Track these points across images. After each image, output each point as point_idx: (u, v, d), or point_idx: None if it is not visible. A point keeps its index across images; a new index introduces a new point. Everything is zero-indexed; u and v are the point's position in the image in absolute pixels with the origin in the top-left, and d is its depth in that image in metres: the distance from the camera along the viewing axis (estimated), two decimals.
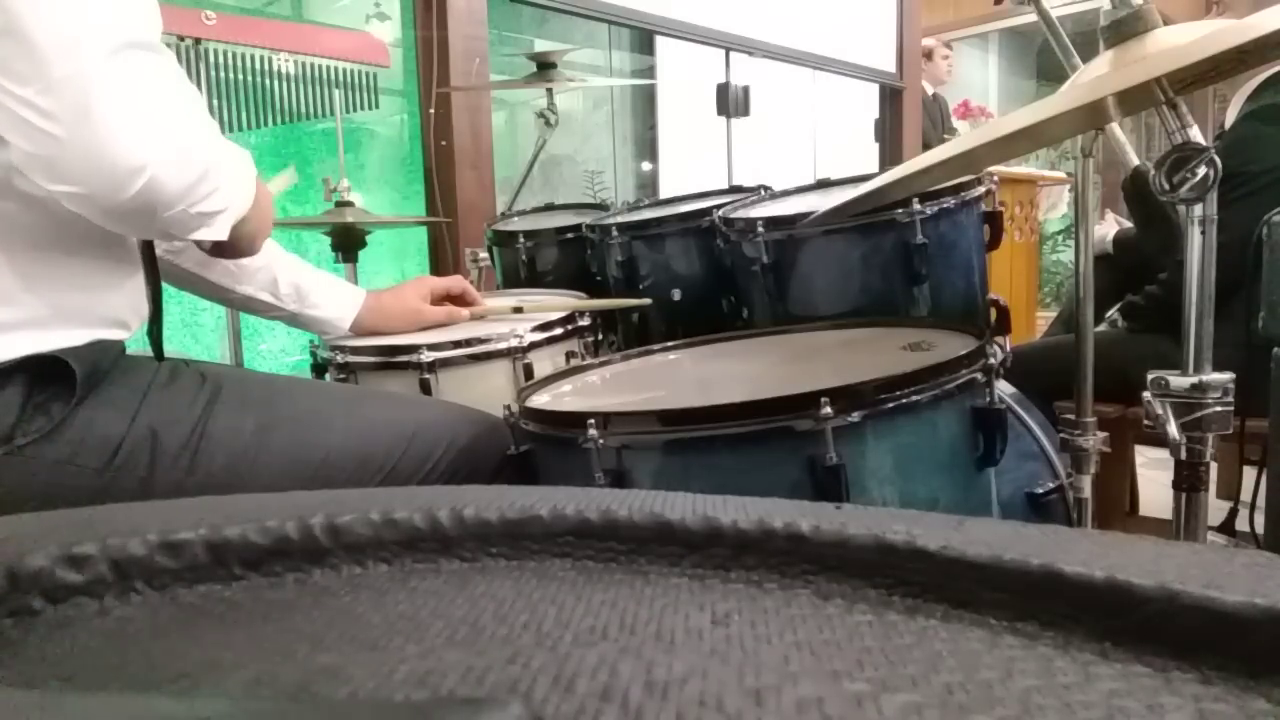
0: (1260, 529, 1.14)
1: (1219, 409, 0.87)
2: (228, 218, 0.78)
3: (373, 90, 1.94)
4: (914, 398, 0.80)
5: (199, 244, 0.82)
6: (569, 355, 1.22)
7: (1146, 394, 0.89)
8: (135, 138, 0.67)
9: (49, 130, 0.66)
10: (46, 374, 0.76)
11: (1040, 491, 1.22)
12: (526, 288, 1.60)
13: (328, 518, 0.29)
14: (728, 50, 3.03)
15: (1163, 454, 0.96)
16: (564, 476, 0.87)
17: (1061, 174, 3.73)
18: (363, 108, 1.94)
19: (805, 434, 0.77)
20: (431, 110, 2.35)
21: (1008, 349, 1.11)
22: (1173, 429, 0.88)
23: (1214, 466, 0.92)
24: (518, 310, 1.30)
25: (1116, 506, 1.88)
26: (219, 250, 0.86)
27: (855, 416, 0.78)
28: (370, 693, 0.19)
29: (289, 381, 0.99)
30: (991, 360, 0.87)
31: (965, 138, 0.90)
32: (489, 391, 1.11)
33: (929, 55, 4.54)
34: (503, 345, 1.14)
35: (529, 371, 1.14)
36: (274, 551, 0.29)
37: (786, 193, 1.51)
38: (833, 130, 3.80)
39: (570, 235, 1.64)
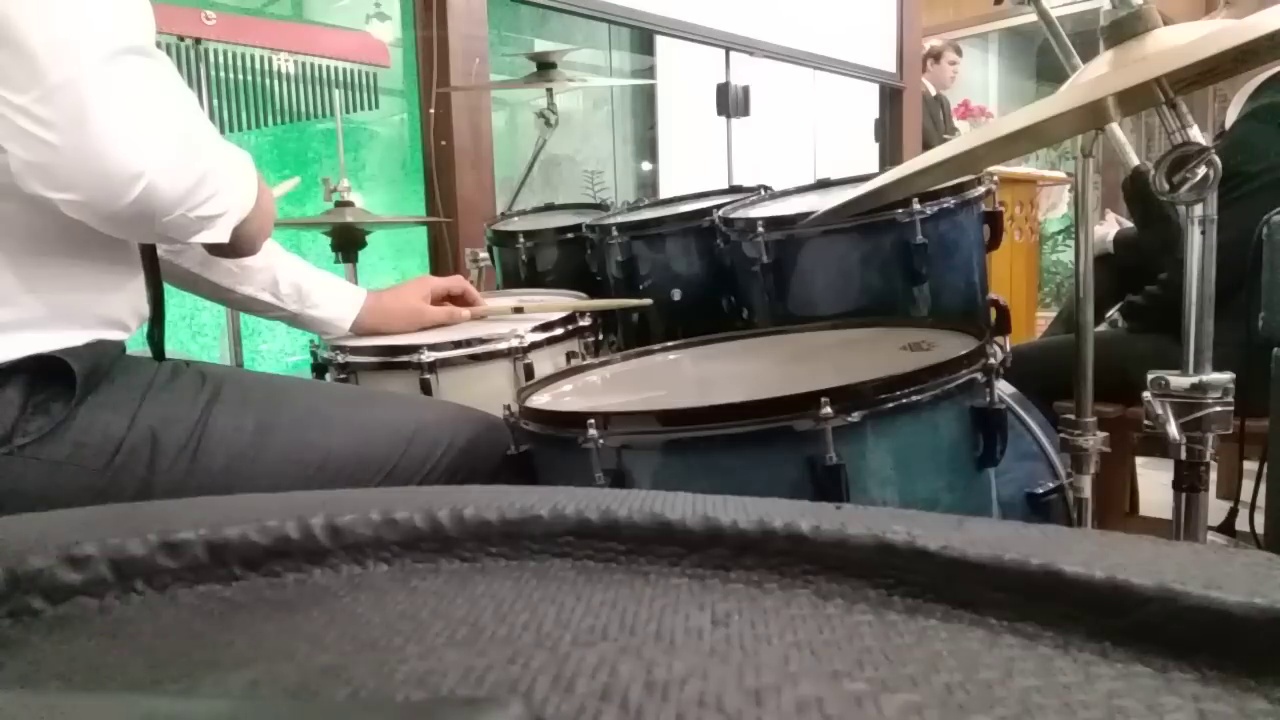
0: (1260, 529, 1.14)
1: (1219, 409, 0.87)
2: (228, 220, 0.78)
3: (373, 90, 1.94)
4: (914, 398, 0.80)
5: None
6: (569, 355, 1.22)
7: (1146, 394, 0.89)
8: (132, 144, 0.67)
9: (45, 138, 0.66)
10: (46, 374, 0.76)
11: (1040, 491, 1.22)
12: (526, 288, 1.60)
13: (328, 518, 0.29)
14: (728, 50, 3.02)
15: None
16: (564, 476, 0.87)
17: (1061, 174, 3.73)
18: (363, 108, 1.94)
19: (805, 434, 0.77)
20: (431, 110, 2.35)
21: (1008, 349, 1.11)
22: (1173, 429, 0.88)
23: (1214, 466, 0.92)
24: (518, 310, 1.30)
25: (1116, 506, 1.88)
26: (219, 250, 0.86)
27: (855, 416, 0.78)
28: (370, 693, 0.19)
29: (289, 381, 0.99)
30: (991, 360, 0.87)
31: (965, 138, 0.90)
32: (489, 391, 1.11)
33: (937, 57, 4.54)
34: (503, 345, 1.14)
35: (529, 371, 1.14)
36: (274, 551, 0.29)
37: (786, 193, 1.51)
38: (833, 130, 3.80)
39: (570, 235, 1.64)
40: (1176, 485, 0.92)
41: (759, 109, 3.09)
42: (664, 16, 2.83)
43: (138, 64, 0.69)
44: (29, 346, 0.75)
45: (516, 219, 1.89)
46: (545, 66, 1.83)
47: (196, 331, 2.29)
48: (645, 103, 3.93)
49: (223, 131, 1.70)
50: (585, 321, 1.25)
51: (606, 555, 0.29)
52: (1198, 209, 0.84)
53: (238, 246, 0.85)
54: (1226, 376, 0.87)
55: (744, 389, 1.00)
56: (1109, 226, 2.04)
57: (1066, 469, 1.15)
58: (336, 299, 1.18)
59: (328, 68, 1.85)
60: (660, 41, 3.49)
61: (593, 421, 0.81)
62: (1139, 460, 1.99)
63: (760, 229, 1.22)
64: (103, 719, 0.18)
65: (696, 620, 0.24)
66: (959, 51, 4.72)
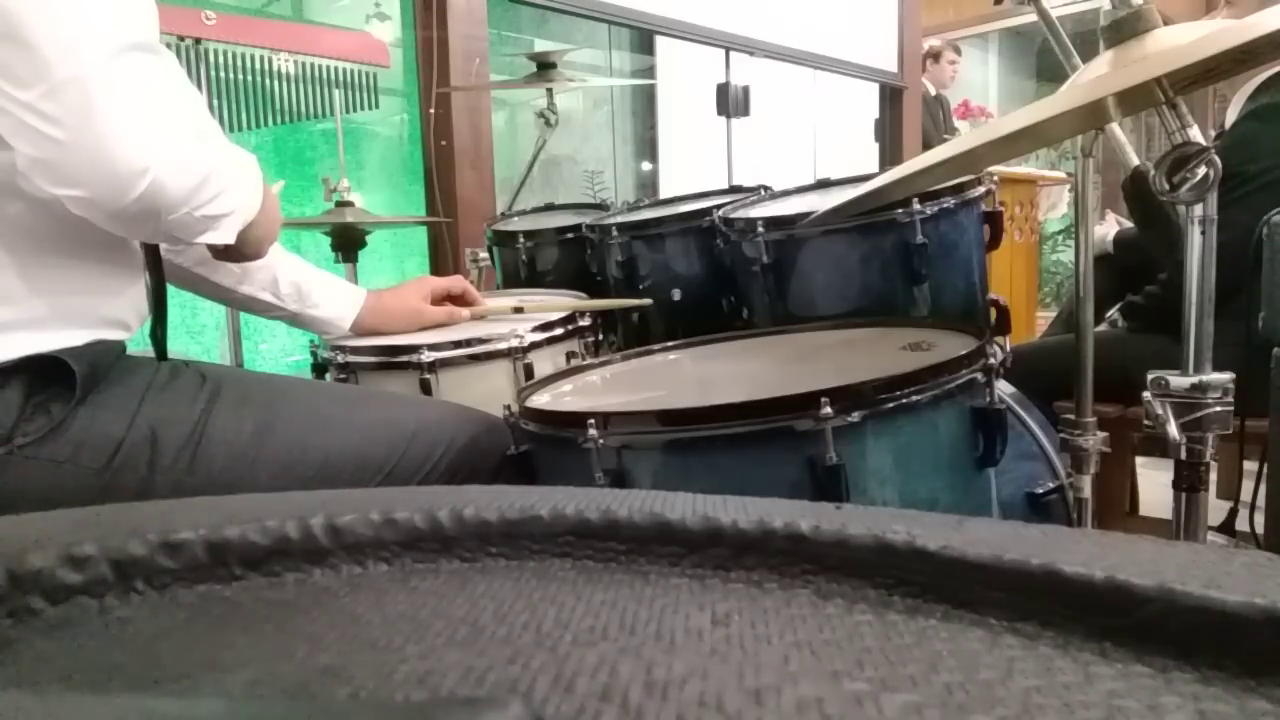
0: (1260, 529, 1.14)
1: (1219, 409, 0.87)
2: (234, 221, 0.78)
3: (373, 90, 1.94)
4: (914, 398, 0.80)
5: (209, 247, 0.83)
6: (569, 355, 1.22)
7: (1146, 394, 0.89)
8: (137, 141, 0.68)
9: (51, 134, 0.66)
10: (46, 374, 0.76)
11: (1040, 491, 1.22)
12: (526, 288, 1.60)
13: (328, 518, 0.29)
14: (728, 50, 3.02)
15: None
16: (564, 476, 0.87)
17: (1061, 174, 3.73)
18: (363, 108, 1.94)
19: (805, 434, 0.77)
20: (431, 110, 2.35)
21: (1008, 349, 1.11)
22: (1173, 429, 0.88)
23: (1214, 466, 0.92)
24: (518, 310, 1.30)
25: (1116, 506, 1.88)
26: (226, 254, 0.86)
27: (855, 416, 0.78)
28: (370, 693, 0.19)
29: (289, 382, 0.99)
30: (991, 360, 0.87)
31: (965, 138, 0.90)
32: (489, 391, 1.11)
33: (936, 57, 4.55)
34: (503, 345, 1.14)
35: (529, 371, 1.14)
36: (274, 551, 0.29)
37: (786, 193, 1.51)
38: (833, 130, 3.80)
39: (570, 235, 1.64)
40: (1176, 485, 0.92)
41: (759, 109, 3.09)
42: (664, 16, 2.83)
43: (143, 60, 0.69)
44: (29, 346, 0.75)
45: (516, 219, 1.89)
46: (545, 66, 1.83)
47: (196, 331, 2.29)
48: (645, 103, 3.93)
49: (223, 132, 1.70)
50: (585, 321, 1.25)
51: (606, 555, 0.29)
52: (1198, 209, 0.84)
53: (244, 250, 0.85)
54: (1226, 376, 0.87)
55: (744, 389, 1.00)
56: (1109, 226, 2.04)
57: (1066, 469, 1.15)
58: (336, 299, 1.18)
59: (328, 68, 1.85)
60: (660, 41, 3.49)
61: (593, 421, 0.81)
62: (1139, 460, 1.99)
63: (760, 229, 1.22)
64: (103, 719, 0.18)
65: (696, 620, 0.24)
66: (958, 51, 4.72)
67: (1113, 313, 1.74)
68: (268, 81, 1.78)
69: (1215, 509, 1.05)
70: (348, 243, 1.71)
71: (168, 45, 0.74)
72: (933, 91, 4.47)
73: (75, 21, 0.66)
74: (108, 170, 0.67)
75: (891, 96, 3.99)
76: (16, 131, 0.67)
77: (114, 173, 0.67)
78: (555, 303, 1.37)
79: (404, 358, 1.12)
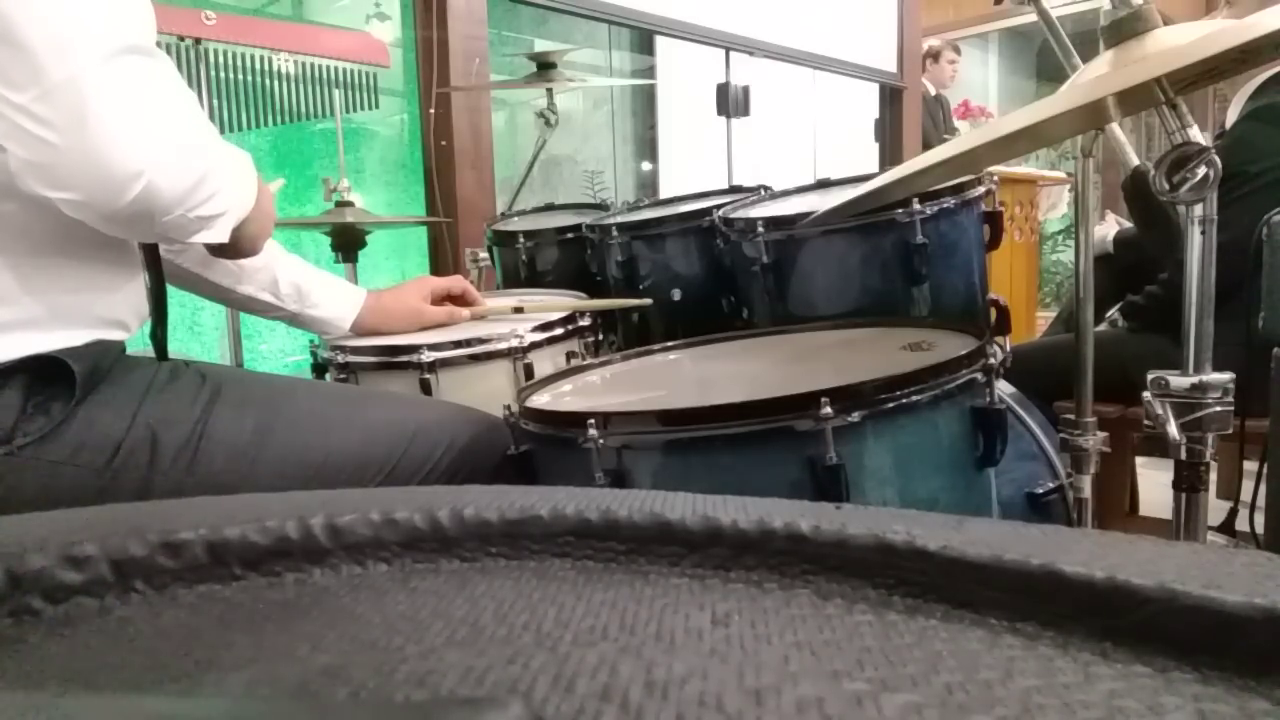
0: (1260, 529, 1.14)
1: (1219, 409, 0.87)
2: (228, 221, 0.78)
3: (373, 90, 1.94)
4: (914, 398, 0.80)
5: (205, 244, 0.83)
6: (569, 355, 1.22)
7: (1146, 394, 0.89)
8: (131, 143, 0.67)
9: (45, 137, 0.66)
10: (46, 374, 0.76)
11: (1040, 491, 1.22)
12: (526, 288, 1.60)
13: (328, 518, 0.29)
14: (728, 50, 3.03)
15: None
16: (564, 476, 0.87)
17: (1061, 174, 3.73)
18: (363, 108, 1.95)
19: (805, 434, 0.77)
20: (431, 110, 2.36)
21: (1008, 349, 1.11)
22: (1173, 429, 0.88)
23: (1214, 466, 0.92)
24: (518, 310, 1.30)
25: (1116, 506, 1.88)
26: (220, 251, 0.86)
27: (855, 416, 0.78)
28: (370, 693, 0.19)
29: (289, 382, 0.99)
30: (991, 360, 0.87)
31: (965, 138, 0.90)
32: (489, 391, 1.11)
33: (935, 57, 4.55)
34: (503, 345, 1.14)
35: (529, 371, 1.14)
36: (274, 551, 0.29)
37: (786, 193, 1.51)
38: (833, 130, 3.80)
39: (570, 235, 1.64)
40: (1176, 485, 0.92)
41: (759, 109, 3.09)
42: (664, 16, 2.83)
43: (138, 63, 0.69)
44: (29, 347, 0.75)
45: (516, 219, 1.89)
46: (545, 66, 1.83)
47: (196, 331, 2.29)
48: (645, 103, 3.93)
49: (223, 131, 1.70)
50: (585, 321, 1.25)
51: (606, 555, 0.29)
52: (1198, 209, 0.84)
53: (238, 247, 0.85)
54: (1226, 376, 0.87)
55: (744, 389, 1.00)
56: (1109, 226, 2.04)
57: (1066, 469, 1.15)
58: (336, 299, 1.18)
59: (328, 68, 1.85)
60: (660, 41, 3.50)
61: (593, 421, 0.81)
62: (1139, 460, 1.99)
63: (760, 229, 1.22)
64: (102, 719, 0.18)
65: (696, 620, 0.24)
66: (957, 50, 4.73)
67: (1113, 313, 1.74)
68: (268, 81, 1.78)
69: (1215, 509, 1.05)
70: (348, 243, 1.71)
71: (168, 45, 0.74)
72: (933, 91, 4.47)
73: (69, 24, 0.66)
74: (102, 173, 0.67)
75: (891, 96, 3.99)
76: (9, 134, 0.67)
77: (108, 176, 0.67)
78: (555, 303, 1.37)
79: (404, 358, 1.12)
